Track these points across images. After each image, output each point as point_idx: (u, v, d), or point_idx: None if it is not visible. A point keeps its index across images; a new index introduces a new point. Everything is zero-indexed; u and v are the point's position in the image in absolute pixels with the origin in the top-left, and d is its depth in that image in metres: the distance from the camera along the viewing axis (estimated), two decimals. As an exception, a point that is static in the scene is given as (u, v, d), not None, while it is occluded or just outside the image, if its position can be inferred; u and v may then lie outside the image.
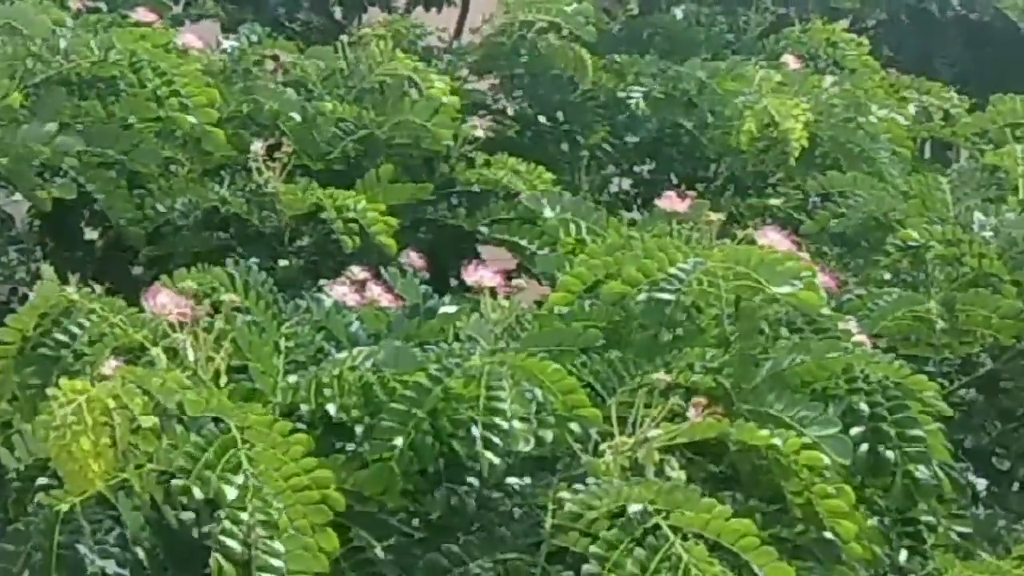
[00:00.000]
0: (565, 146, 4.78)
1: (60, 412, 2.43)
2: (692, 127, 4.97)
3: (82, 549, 2.54)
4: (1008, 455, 4.16)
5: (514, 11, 4.71)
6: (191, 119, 4.01)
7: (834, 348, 3.00)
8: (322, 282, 3.46)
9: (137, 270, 4.39)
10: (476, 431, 2.58)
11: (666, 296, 2.97)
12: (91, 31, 4.20)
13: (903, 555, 3.04)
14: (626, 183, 5.19)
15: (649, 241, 3.20)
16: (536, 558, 2.59)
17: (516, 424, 2.60)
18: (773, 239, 3.21)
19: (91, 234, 4.55)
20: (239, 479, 2.50)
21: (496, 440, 2.57)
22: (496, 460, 2.56)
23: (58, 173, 4.18)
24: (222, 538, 2.46)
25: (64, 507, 2.57)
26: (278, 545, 2.46)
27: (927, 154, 5.66)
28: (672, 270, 3.00)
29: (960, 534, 3.18)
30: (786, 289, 2.94)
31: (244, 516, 2.47)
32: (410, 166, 4.41)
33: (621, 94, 4.88)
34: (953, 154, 5.64)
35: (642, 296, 2.98)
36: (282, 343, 3.07)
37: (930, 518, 3.14)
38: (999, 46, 6.01)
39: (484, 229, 4.38)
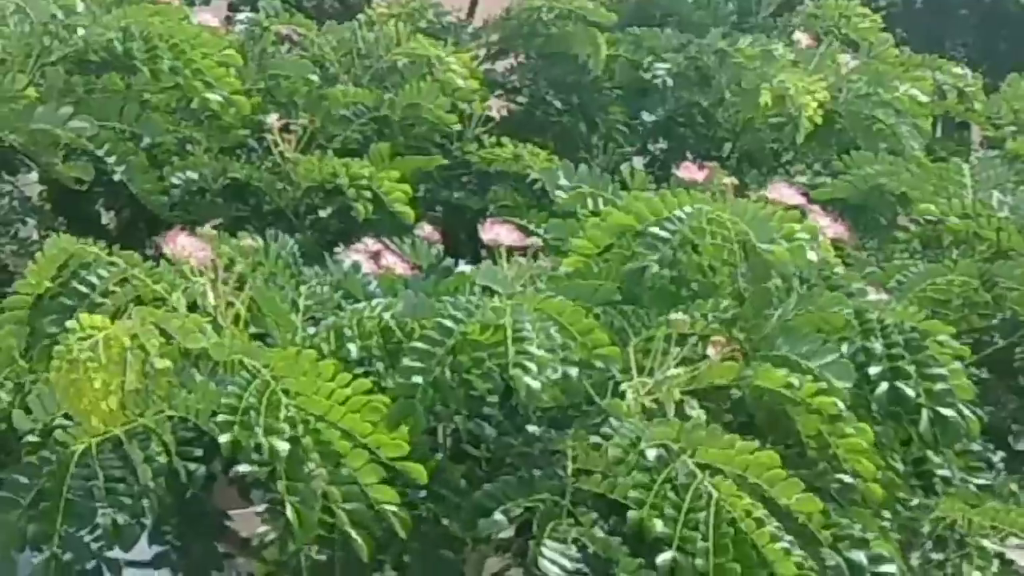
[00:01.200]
0: (583, 127, 4.76)
1: (76, 346, 2.42)
2: (708, 105, 4.95)
3: (96, 494, 2.52)
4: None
5: (530, -3, 4.71)
6: (215, 97, 4.01)
7: (841, 302, 2.99)
8: (337, 250, 3.47)
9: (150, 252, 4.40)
10: (510, 354, 2.55)
11: (664, 233, 2.97)
12: (106, 9, 4.20)
13: (914, 502, 3.03)
14: (640, 163, 5.17)
15: (661, 195, 3.21)
16: (562, 501, 2.58)
17: (545, 353, 2.59)
18: (784, 194, 3.21)
19: (105, 218, 4.57)
20: (287, 431, 2.49)
21: (530, 365, 2.56)
22: (534, 384, 2.55)
23: (76, 150, 4.20)
24: (290, 483, 2.45)
25: (80, 447, 2.56)
26: (346, 471, 2.46)
27: (939, 133, 5.63)
28: (676, 212, 3.01)
29: (979, 486, 3.16)
30: (767, 245, 2.93)
31: (306, 469, 2.47)
32: (423, 148, 4.41)
33: (646, 74, 4.85)
34: (969, 134, 5.64)
35: (642, 231, 2.98)
36: (300, 301, 3.08)
37: (946, 472, 3.13)
38: (1011, 27, 5.99)
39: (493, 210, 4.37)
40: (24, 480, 2.61)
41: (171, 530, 2.83)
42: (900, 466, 3.00)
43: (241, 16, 4.54)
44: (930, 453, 3.08)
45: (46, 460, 2.63)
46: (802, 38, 5.10)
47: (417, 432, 2.59)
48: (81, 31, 4.02)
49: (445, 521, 2.70)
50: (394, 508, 2.54)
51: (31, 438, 2.72)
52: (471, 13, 5.46)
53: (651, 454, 2.54)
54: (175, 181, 4.09)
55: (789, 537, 2.51)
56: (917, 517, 2.95)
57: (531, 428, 2.80)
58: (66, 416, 2.71)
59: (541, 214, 4.05)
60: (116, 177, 4.05)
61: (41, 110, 3.96)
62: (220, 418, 2.52)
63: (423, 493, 2.67)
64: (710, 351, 2.69)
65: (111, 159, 4.10)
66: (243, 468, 2.54)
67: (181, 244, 2.70)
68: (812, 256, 2.96)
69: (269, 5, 4.50)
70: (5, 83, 3.97)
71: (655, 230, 3.00)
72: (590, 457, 2.64)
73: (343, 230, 4.17)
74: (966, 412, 2.94)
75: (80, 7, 4.07)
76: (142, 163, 4.13)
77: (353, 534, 2.50)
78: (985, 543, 2.93)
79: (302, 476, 2.49)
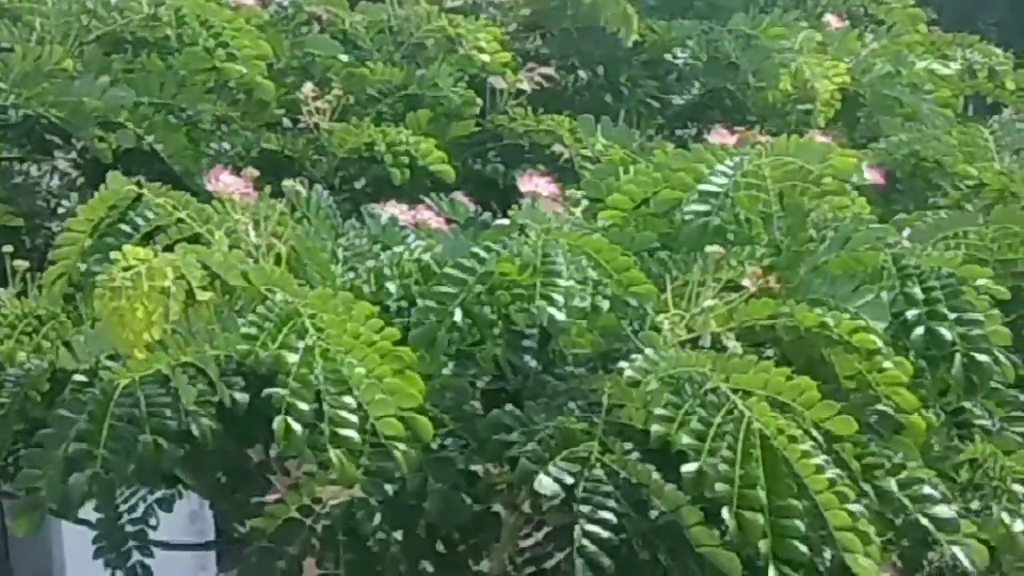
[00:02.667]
0: (609, 98, 4.77)
1: (119, 275, 2.44)
2: (735, 89, 4.96)
3: (138, 418, 2.53)
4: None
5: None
6: (240, 68, 4.05)
7: (872, 242, 2.98)
8: (372, 206, 3.49)
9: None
10: (537, 285, 2.56)
11: (714, 188, 2.97)
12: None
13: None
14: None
15: (697, 152, 3.22)
16: (594, 428, 2.58)
17: (571, 283, 2.59)
18: (820, 140, 3.22)
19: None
20: (301, 343, 2.50)
21: (556, 296, 2.56)
22: (559, 314, 2.55)
23: (112, 129, 4.24)
24: (291, 400, 2.44)
25: (124, 381, 2.58)
26: (349, 399, 2.45)
27: (971, 113, 5.60)
28: (720, 167, 3.02)
29: (1021, 435, 3.14)
30: (819, 164, 2.92)
31: (311, 377, 2.46)
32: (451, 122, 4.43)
33: (667, 55, 4.87)
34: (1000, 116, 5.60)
35: (691, 196, 2.99)
36: (339, 252, 3.10)
37: (985, 421, 3.11)
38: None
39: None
40: (68, 414, 2.63)
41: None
42: (938, 415, 3.00)
43: (276, -3, 4.59)
44: (967, 404, 3.08)
45: (91, 396, 2.65)
46: (831, 20, 5.11)
47: (436, 357, 2.57)
48: (115, 3, 4.06)
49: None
50: (401, 446, 2.52)
51: (77, 377, 2.75)
52: None
53: (683, 378, 2.52)
54: (209, 151, 4.12)
55: (824, 457, 2.49)
56: (947, 457, 2.92)
57: (567, 369, 2.80)
58: (111, 358, 2.75)
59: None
60: (154, 147, 4.08)
61: (79, 82, 4.01)
62: (243, 331, 2.52)
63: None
64: (746, 283, 2.69)
65: (150, 136, 4.15)
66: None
67: (224, 182, 2.72)
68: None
69: (305, -17, 4.54)
70: (43, 59, 4.02)
71: (706, 187, 3.00)
72: (625, 392, 2.63)
73: (378, 200, 4.20)
74: (1000, 358, 2.93)
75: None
76: (179, 137, 4.18)
77: (332, 452, 2.48)
78: (1016, 487, 2.91)
79: (306, 396, 2.47)
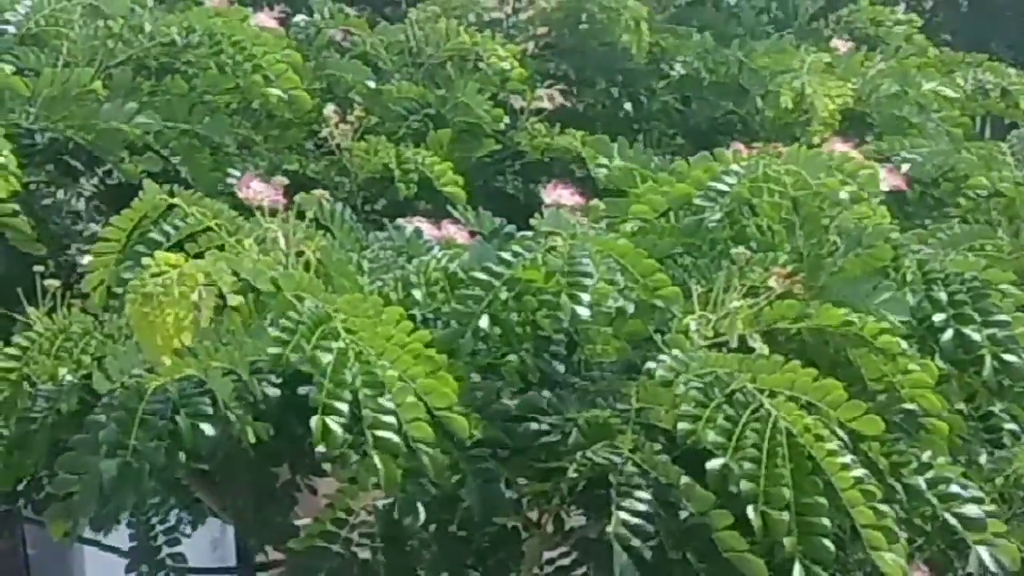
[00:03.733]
0: (628, 109, 4.78)
1: (151, 281, 2.45)
2: (744, 114, 4.97)
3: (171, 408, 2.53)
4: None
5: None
6: (277, 91, 4.07)
7: (882, 235, 2.97)
8: (398, 221, 3.50)
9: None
10: (563, 284, 2.56)
11: (723, 187, 2.97)
12: (171, 11, 4.28)
13: (983, 458, 3.00)
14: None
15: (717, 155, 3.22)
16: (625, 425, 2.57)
17: (601, 285, 2.59)
18: (840, 148, 3.21)
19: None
20: (336, 344, 2.49)
21: (581, 295, 2.56)
22: (582, 311, 2.54)
23: (139, 152, 4.26)
24: (327, 400, 2.44)
25: (156, 383, 2.58)
26: (386, 402, 2.44)
27: (987, 135, 5.61)
28: (733, 167, 3.03)
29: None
30: (821, 176, 2.92)
31: (347, 377, 2.45)
32: (476, 141, 4.45)
33: (663, 66, 4.87)
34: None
35: (700, 192, 3.00)
36: (365, 264, 3.10)
37: (1014, 425, 3.09)
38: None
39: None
40: (102, 419, 2.63)
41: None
42: (967, 417, 2.99)
43: (298, 18, 4.61)
44: (996, 408, 3.07)
45: (123, 395, 2.64)
46: (839, 44, 5.12)
47: (461, 363, 2.57)
48: (148, 28, 4.08)
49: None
50: (428, 449, 2.51)
51: (119, 393, 2.74)
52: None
53: (710, 378, 2.51)
54: (232, 173, 4.13)
55: (851, 456, 2.48)
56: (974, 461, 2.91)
57: (595, 374, 2.80)
58: (148, 371, 2.75)
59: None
60: (178, 170, 4.10)
61: (108, 107, 4.03)
62: (273, 334, 2.52)
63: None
64: (772, 282, 2.69)
65: (176, 159, 4.16)
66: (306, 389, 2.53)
67: (255, 189, 2.73)
68: (844, 195, 2.95)
69: (323, 6, 4.57)
70: (71, 82, 4.04)
71: (713, 184, 3.01)
72: (655, 393, 2.63)
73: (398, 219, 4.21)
74: (1030, 361, 2.91)
75: (150, 2, 4.15)
76: (204, 160, 4.20)
77: (375, 456, 2.47)
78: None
79: (342, 396, 2.47)
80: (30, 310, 3.25)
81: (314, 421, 2.45)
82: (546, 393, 2.67)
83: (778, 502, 2.44)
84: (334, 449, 2.46)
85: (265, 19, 4.40)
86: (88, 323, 3.23)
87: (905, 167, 3.43)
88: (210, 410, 2.57)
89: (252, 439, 2.59)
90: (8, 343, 3.06)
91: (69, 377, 2.98)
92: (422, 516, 2.55)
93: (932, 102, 4.79)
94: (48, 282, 3.37)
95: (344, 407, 2.46)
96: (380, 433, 2.47)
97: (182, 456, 2.57)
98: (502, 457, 2.70)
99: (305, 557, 2.90)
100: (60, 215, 4.57)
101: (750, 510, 2.41)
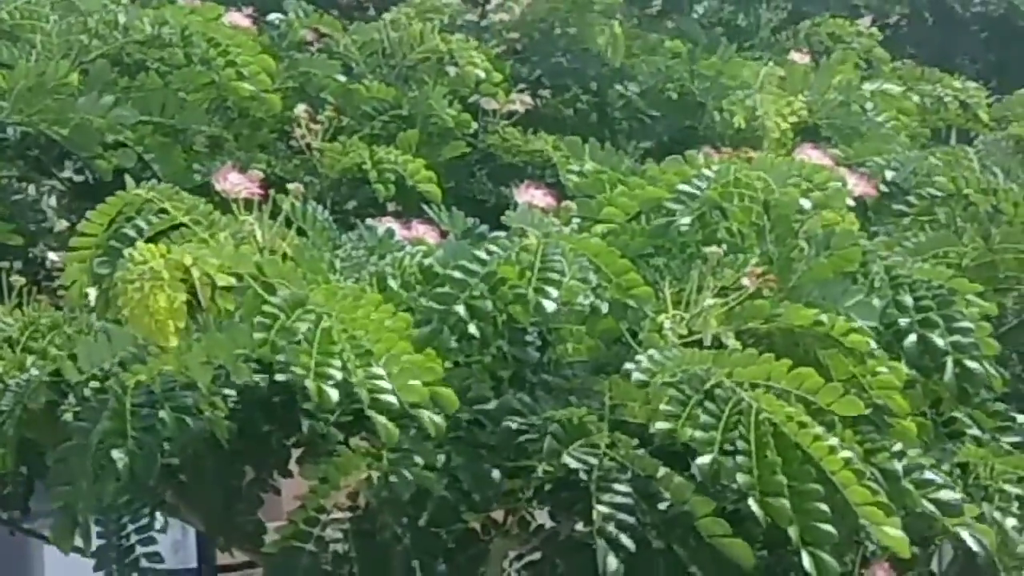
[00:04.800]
0: (596, 117, 4.80)
1: (138, 268, 2.43)
2: (702, 127, 4.99)
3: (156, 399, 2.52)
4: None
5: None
6: (248, 86, 4.05)
7: (850, 239, 2.99)
8: (369, 221, 3.49)
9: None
10: (533, 280, 2.56)
11: (692, 190, 2.99)
12: (145, 7, 4.25)
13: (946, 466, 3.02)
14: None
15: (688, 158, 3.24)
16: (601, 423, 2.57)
17: (573, 282, 2.60)
18: (812, 155, 3.24)
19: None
20: (320, 324, 2.47)
21: (550, 289, 2.56)
22: (551, 306, 2.55)
23: (113, 148, 4.22)
24: (321, 369, 2.42)
25: (137, 378, 2.56)
26: (377, 370, 2.43)
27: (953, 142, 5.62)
28: (704, 171, 3.05)
29: (1012, 443, 3.15)
30: (782, 187, 2.95)
31: (336, 348, 2.43)
32: (446, 143, 4.44)
33: (619, 87, 4.88)
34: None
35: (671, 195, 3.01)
36: (337, 263, 3.09)
37: (976, 431, 3.12)
38: (1022, 44, 5.99)
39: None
40: (87, 425, 2.63)
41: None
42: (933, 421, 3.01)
43: (272, 16, 4.59)
44: (959, 414, 3.10)
45: (111, 393, 2.63)
46: (797, 57, 5.15)
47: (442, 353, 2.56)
48: (122, 22, 4.05)
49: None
50: (427, 413, 2.50)
51: (93, 384, 2.73)
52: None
53: (686, 375, 2.52)
54: (200, 169, 4.11)
55: (835, 439, 2.49)
56: (941, 461, 2.93)
57: (570, 373, 2.80)
58: (120, 364, 2.74)
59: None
60: (149, 166, 4.07)
61: (83, 100, 4.00)
62: (257, 320, 2.52)
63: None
64: (745, 281, 2.70)
65: (149, 155, 4.13)
66: (280, 377, 2.53)
67: (232, 180, 2.71)
68: (806, 204, 2.97)
69: (298, 7, 4.55)
70: (47, 75, 4.00)
71: (684, 187, 3.02)
72: (628, 390, 2.63)
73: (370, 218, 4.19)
74: (990, 368, 2.95)
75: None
76: (177, 157, 4.17)
77: (376, 416, 2.45)
78: (1007, 487, 2.92)
79: (332, 364, 2.46)
80: (-4, 305, 3.23)
81: (308, 385, 2.42)
82: (521, 395, 2.66)
83: (776, 490, 2.45)
84: (328, 408, 2.44)
85: (238, 18, 4.37)
86: (57, 317, 3.22)
87: (890, 174, 3.43)
88: (192, 399, 2.55)
89: (225, 435, 2.58)
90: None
91: (36, 371, 2.96)
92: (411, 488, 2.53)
93: (881, 107, 4.82)
94: (14, 279, 3.35)
95: (336, 373, 2.45)
96: (377, 396, 2.45)
97: (166, 446, 2.56)
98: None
99: (280, 558, 2.89)
100: (29, 211, 4.54)
101: (751, 501, 2.42)
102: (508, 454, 2.73)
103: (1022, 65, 5.78)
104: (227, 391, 2.60)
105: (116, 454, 2.54)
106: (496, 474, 2.67)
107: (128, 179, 3.06)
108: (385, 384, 2.46)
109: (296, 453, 3.10)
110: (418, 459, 2.53)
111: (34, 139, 4.23)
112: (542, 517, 3.06)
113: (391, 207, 4.18)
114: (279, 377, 2.50)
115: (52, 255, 4.56)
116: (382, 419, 2.45)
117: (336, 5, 5.65)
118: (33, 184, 4.56)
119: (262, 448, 3.09)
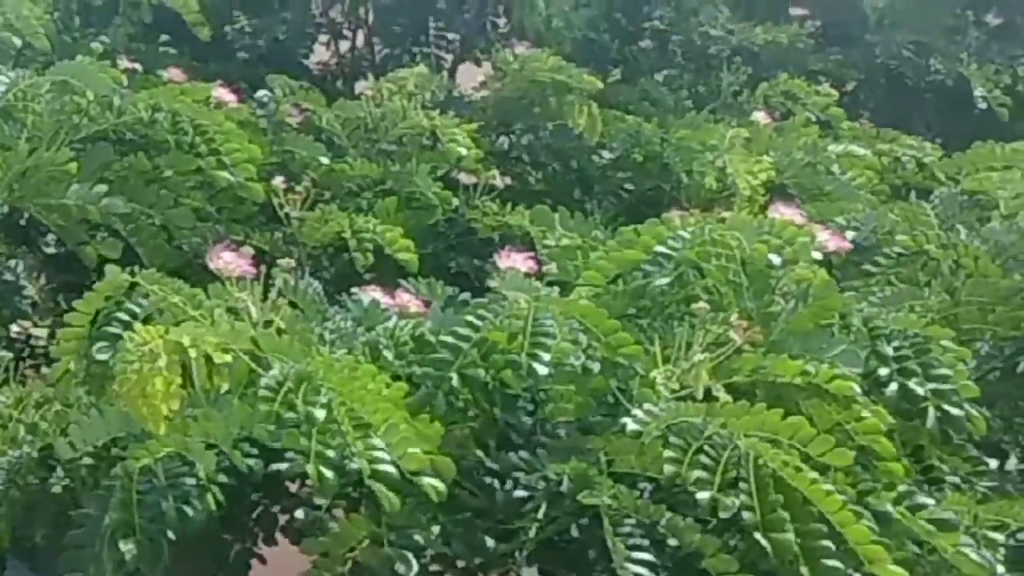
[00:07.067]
0: (578, 192, 4.83)
1: (136, 351, 2.41)
2: (670, 189, 5.03)
3: (158, 486, 2.50)
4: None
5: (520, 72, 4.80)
6: (227, 175, 4.05)
7: (831, 290, 3.01)
8: (353, 290, 3.48)
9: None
10: (526, 345, 2.56)
11: (669, 251, 3.02)
12: (138, 89, 4.26)
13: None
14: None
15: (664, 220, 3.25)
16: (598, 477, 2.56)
17: (564, 344, 2.60)
18: (785, 212, 3.25)
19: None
20: (321, 399, 2.47)
21: (542, 354, 2.56)
22: (543, 370, 2.55)
23: (100, 226, 4.20)
24: (318, 448, 2.42)
25: (140, 463, 2.54)
26: (376, 441, 2.42)
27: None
28: (680, 232, 3.07)
29: (987, 487, 3.15)
30: (752, 244, 2.97)
31: (333, 427, 2.43)
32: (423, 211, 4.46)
33: (595, 157, 4.93)
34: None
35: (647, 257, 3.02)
36: (326, 334, 3.08)
37: (955, 478, 3.13)
38: (973, 117, 6.09)
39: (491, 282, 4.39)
40: (95, 513, 2.61)
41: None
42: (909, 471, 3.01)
43: (260, 93, 4.61)
44: (938, 461, 3.10)
45: (115, 481, 2.61)
46: (761, 117, 5.22)
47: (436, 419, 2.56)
48: (117, 104, 4.04)
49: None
50: (428, 480, 2.49)
51: (87, 460, 2.71)
52: (451, 76, 5.59)
53: (684, 426, 2.53)
54: (183, 247, 4.09)
55: (830, 483, 2.49)
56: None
57: (560, 431, 2.79)
58: (113, 441, 2.71)
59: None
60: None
61: (76, 187, 3.96)
62: (261, 393, 2.50)
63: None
64: (733, 335, 2.71)
65: (133, 239, 4.11)
66: (282, 465, 2.52)
67: (226, 259, 2.71)
68: (776, 259, 2.98)
69: (284, 84, 4.57)
70: (45, 157, 3.98)
71: (661, 248, 3.04)
72: (622, 444, 2.63)
73: (346, 290, 4.17)
74: (971, 410, 2.96)
75: (125, 81, 4.12)
76: (160, 242, 4.14)
77: (377, 486, 2.45)
78: (991, 534, 2.91)
79: (332, 443, 2.46)
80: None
81: (309, 470, 2.41)
82: (522, 453, 2.65)
83: (780, 526, 2.45)
84: (330, 492, 2.43)
85: (224, 93, 4.39)
86: (47, 392, 3.19)
87: (850, 234, 3.47)
88: (194, 489, 2.53)
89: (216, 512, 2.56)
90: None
91: (27, 448, 2.94)
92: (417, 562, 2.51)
93: (847, 167, 4.87)
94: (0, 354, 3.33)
95: (332, 453, 2.44)
96: (377, 466, 2.45)
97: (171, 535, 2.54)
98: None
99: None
100: (15, 287, 4.51)
101: (758, 535, 2.41)
102: (501, 516, 2.71)
103: (970, 131, 5.86)
104: (223, 478, 2.58)
105: (124, 546, 2.52)
106: (490, 541, 2.64)
107: (110, 267, 3.03)
108: (384, 455, 2.45)
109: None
110: (418, 538, 2.50)
111: (19, 214, 4.21)
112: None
113: (368, 276, 4.18)
114: (280, 466, 2.49)
115: (35, 331, 4.53)
116: (381, 487, 2.43)
117: (308, 74, 5.73)
118: (16, 259, 4.53)
119: (250, 517, 3.06)
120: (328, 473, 2.43)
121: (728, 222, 3.17)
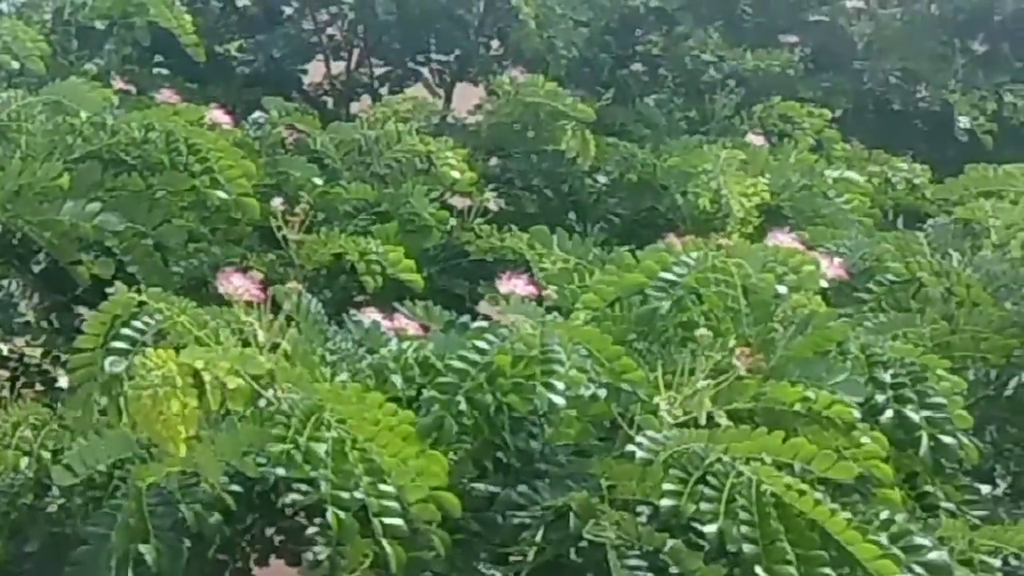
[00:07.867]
0: (573, 215, 4.87)
1: (150, 376, 2.43)
2: (665, 210, 5.06)
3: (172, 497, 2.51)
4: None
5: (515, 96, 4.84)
6: (221, 194, 4.07)
7: (829, 319, 3.05)
8: (353, 312, 3.49)
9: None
10: (537, 373, 2.58)
11: (673, 278, 3.05)
12: (131, 110, 4.27)
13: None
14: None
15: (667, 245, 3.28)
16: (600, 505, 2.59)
17: (574, 372, 2.63)
18: (781, 239, 3.30)
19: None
20: (329, 434, 2.49)
21: (556, 383, 2.59)
22: (558, 400, 2.58)
23: (93, 245, 4.21)
24: (335, 492, 2.44)
25: (148, 480, 2.55)
26: (386, 487, 2.46)
27: (900, 226, 5.72)
28: (683, 258, 3.11)
29: (980, 517, 3.19)
30: (759, 273, 3.01)
31: (347, 467, 2.46)
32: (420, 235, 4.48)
33: (588, 180, 4.97)
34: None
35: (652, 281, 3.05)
36: (327, 356, 3.10)
37: (950, 504, 3.17)
38: (959, 145, 6.15)
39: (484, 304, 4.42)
40: (102, 531, 2.62)
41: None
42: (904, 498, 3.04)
43: (256, 115, 4.64)
44: (933, 488, 3.14)
45: (123, 496, 2.62)
46: (755, 139, 5.26)
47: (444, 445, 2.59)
48: (109, 124, 4.06)
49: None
50: (438, 532, 2.53)
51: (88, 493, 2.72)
52: (447, 101, 5.62)
53: (687, 454, 2.55)
54: (177, 269, 4.10)
55: (833, 504, 2.52)
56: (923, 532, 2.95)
57: (561, 458, 2.82)
58: (115, 465, 2.73)
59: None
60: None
61: (70, 204, 3.98)
62: (274, 432, 2.54)
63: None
64: (736, 362, 2.74)
65: (127, 257, 4.12)
66: (291, 497, 2.54)
67: (235, 283, 2.73)
68: (782, 289, 3.02)
69: (279, 107, 4.60)
70: (39, 175, 3.99)
71: (665, 274, 3.07)
72: (623, 470, 2.66)
73: (343, 312, 4.19)
74: (964, 440, 3.00)
75: (116, 101, 4.13)
76: (156, 262, 4.15)
77: (386, 544, 2.48)
78: (987, 558, 2.95)
79: (347, 485, 2.48)
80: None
81: (329, 515, 2.44)
82: (522, 488, 2.68)
83: (782, 557, 2.47)
84: (348, 539, 2.45)
85: (219, 115, 4.40)
86: (44, 414, 3.19)
87: (838, 260, 3.51)
88: (208, 496, 2.55)
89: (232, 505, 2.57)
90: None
91: (26, 470, 2.94)
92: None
93: (842, 192, 4.92)
94: (-4, 375, 3.33)
95: (348, 496, 2.47)
96: (388, 520, 2.49)
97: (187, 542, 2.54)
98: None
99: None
100: (8, 306, 4.51)
101: (758, 569, 2.43)
102: (499, 540, 2.73)
103: (955, 156, 5.93)
104: (235, 487, 2.59)
105: (144, 548, 2.52)
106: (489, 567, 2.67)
107: (117, 284, 3.05)
108: (394, 506, 2.49)
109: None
110: (427, 576, 2.54)
111: (13, 233, 4.21)
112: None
113: (361, 298, 4.20)
114: (293, 497, 2.50)
115: (28, 351, 4.53)
116: (391, 548, 2.48)
117: (304, 93, 5.76)
118: (9, 279, 4.54)
119: (244, 538, 3.07)
120: (347, 517, 2.44)
121: (731, 249, 3.20)
